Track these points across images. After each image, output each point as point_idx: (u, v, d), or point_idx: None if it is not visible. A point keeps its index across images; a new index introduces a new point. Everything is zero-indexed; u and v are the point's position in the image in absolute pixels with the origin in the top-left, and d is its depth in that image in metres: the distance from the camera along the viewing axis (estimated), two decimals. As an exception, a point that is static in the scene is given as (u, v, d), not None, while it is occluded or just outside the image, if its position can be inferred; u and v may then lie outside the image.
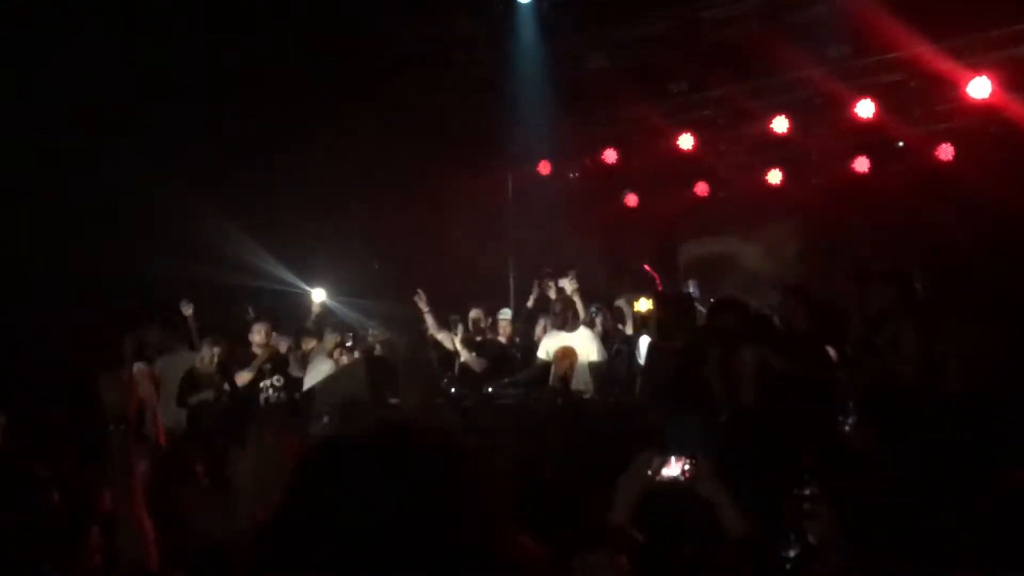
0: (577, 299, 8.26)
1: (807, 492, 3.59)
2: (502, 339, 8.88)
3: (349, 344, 9.09)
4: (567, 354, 7.60)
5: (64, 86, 8.78)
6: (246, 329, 8.40)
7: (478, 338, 8.82)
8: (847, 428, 3.79)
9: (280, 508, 1.18)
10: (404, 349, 8.90)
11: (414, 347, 8.80)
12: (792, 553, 3.47)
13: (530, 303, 9.26)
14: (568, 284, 8.46)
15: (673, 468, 2.64)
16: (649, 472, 2.64)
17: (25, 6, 8.61)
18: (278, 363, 8.29)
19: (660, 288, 7.78)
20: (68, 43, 8.75)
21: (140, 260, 9.12)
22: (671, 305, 6.88)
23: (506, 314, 9.21)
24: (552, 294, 8.54)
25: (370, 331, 9.30)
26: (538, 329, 8.69)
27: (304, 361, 8.93)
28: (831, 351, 6.15)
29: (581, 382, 7.68)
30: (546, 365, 7.80)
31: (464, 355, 8.33)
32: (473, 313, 9.00)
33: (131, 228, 9.52)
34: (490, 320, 9.15)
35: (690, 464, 2.58)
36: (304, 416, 7.94)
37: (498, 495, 1.21)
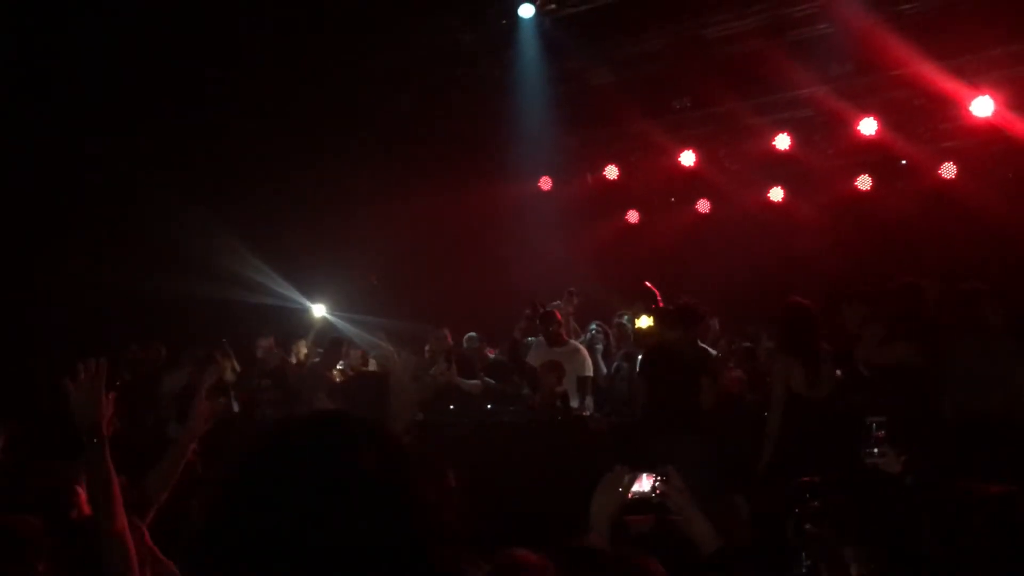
0: (570, 317, 8.23)
1: (813, 511, 3.52)
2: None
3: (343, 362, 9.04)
4: (553, 368, 7.53)
5: (80, 102, 8.81)
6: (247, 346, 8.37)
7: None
8: (875, 454, 3.72)
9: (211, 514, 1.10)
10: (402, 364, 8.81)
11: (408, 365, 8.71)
12: (803, 570, 3.40)
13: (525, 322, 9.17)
14: (566, 304, 8.44)
15: (644, 484, 2.59)
16: (620, 489, 2.61)
17: (57, 23, 8.63)
18: (277, 378, 8.23)
19: (661, 305, 7.71)
20: (87, 60, 8.77)
21: (143, 276, 9.12)
22: (672, 321, 6.83)
23: (472, 340, 9.19)
24: (564, 310, 8.49)
25: (377, 347, 9.23)
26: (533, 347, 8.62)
27: (303, 376, 8.86)
28: (838, 373, 6.11)
29: (570, 397, 7.62)
30: (533, 374, 7.74)
31: (463, 384, 8.23)
32: (438, 334, 8.86)
33: (136, 245, 9.53)
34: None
35: (660, 480, 2.54)
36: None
37: (438, 508, 1.12)
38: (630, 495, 2.68)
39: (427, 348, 8.72)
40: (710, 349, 7.35)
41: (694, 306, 6.82)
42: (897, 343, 5.75)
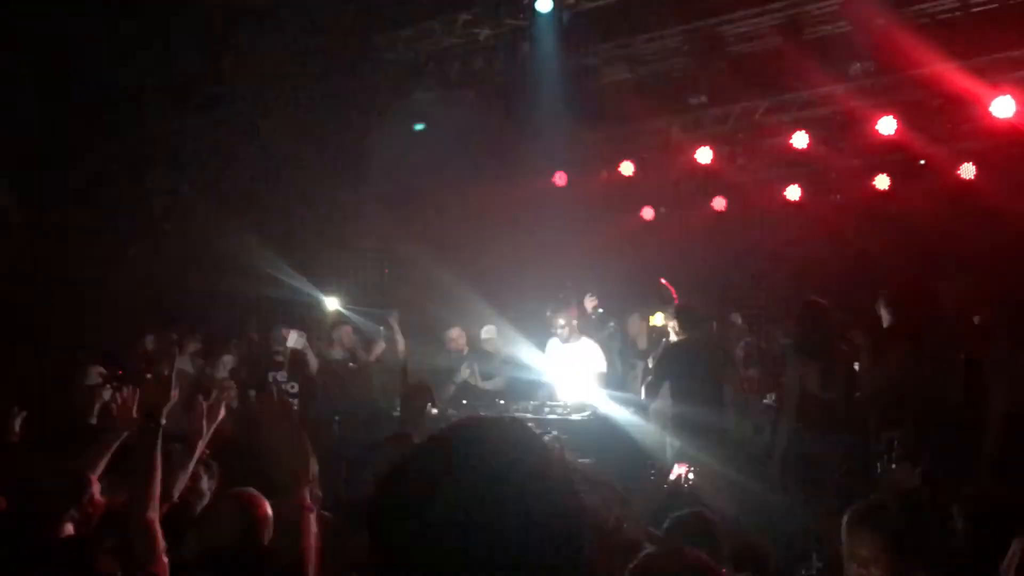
0: (588, 317, 8.24)
1: (829, 513, 3.54)
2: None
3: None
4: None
5: (103, 103, 8.88)
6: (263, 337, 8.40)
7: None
8: (892, 465, 3.75)
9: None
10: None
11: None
12: (813, 571, 3.41)
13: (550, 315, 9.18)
14: (588, 302, 8.45)
15: (675, 475, 2.62)
16: (664, 484, 2.63)
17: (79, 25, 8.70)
18: (296, 368, 8.26)
19: (677, 302, 7.68)
20: (108, 56, 8.83)
21: (159, 271, 9.19)
22: (695, 321, 6.82)
23: (490, 331, 9.17)
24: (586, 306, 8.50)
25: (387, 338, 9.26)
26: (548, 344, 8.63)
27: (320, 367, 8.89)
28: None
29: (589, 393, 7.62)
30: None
31: (485, 386, 8.25)
32: (453, 332, 8.86)
33: (152, 241, 9.60)
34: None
35: (692, 471, 2.56)
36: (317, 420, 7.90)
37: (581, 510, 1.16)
38: (664, 484, 2.71)
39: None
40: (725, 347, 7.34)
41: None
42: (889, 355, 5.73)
